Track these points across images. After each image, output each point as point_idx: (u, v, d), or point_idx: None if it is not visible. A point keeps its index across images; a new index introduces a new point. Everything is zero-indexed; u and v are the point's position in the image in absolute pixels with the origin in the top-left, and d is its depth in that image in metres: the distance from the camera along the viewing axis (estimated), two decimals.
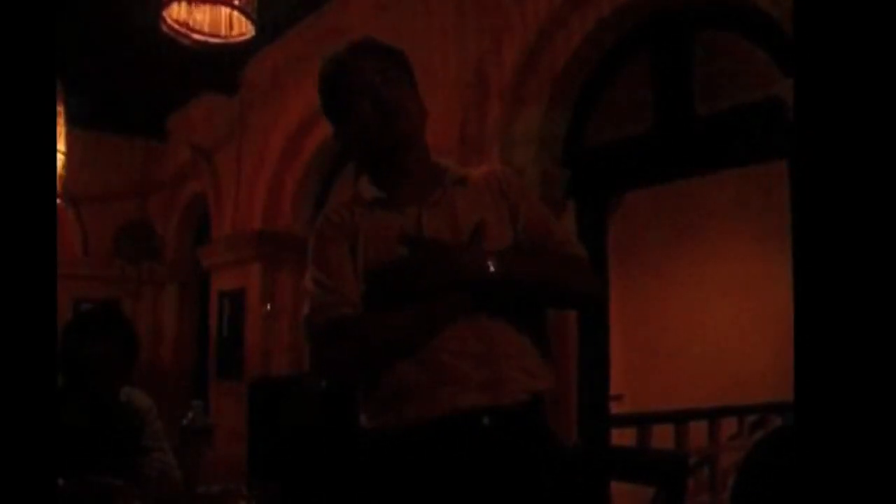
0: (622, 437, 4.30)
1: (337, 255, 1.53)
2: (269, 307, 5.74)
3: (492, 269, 1.43)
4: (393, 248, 1.48)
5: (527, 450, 1.46)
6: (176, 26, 2.64)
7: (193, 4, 2.59)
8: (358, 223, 1.54)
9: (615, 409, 4.64)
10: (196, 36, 2.67)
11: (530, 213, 1.60)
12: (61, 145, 4.21)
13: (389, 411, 1.47)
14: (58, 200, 4.35)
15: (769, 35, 3.26)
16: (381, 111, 1.54)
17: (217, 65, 5.57)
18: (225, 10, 2.64)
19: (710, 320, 6.40)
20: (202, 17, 2.63)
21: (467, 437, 1.42)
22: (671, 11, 3.70)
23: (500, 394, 1.44)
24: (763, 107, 3.28)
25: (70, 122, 4.40)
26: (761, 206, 5.59)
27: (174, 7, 2.60)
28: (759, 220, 5.90)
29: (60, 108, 4.11)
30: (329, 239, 1.56)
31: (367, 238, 1.52)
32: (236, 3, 2.58)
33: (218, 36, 2.69)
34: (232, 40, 2.74)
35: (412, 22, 4.71)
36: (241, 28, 2.70)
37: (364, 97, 1.54)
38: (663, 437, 4.37)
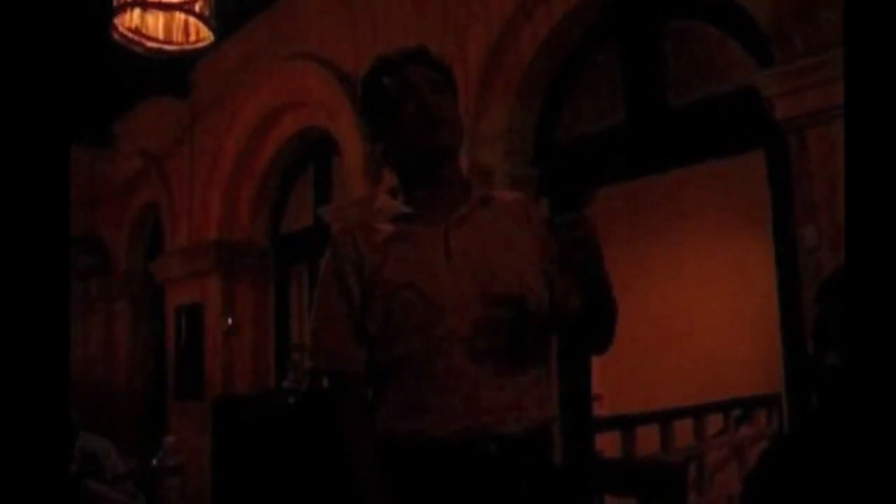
0: (604, 441, 4.20)
1: (343, 290, 1.52)
2: (230, 321, 5.52)
3: None
4: (417, 264, 1.48)
5: (531, 480, 1.47)
6: (129, 34, 2.44)
7: (147, 10, 2.39)
8: (382, 239, 1.52)
9: (593, 409, 4.54)
10: (150, 44, 2.49)
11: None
12: None
13: (403, 421, 1.46)
14: None
15: (742, 24, 3.19)
16: (425, 117, 1.52)
17: (165, 67, 5.33)
18: (179, 15, 2.46)
19: (689, 316, 6.34)
20: (154, 21, 2.44)
21: (475, 463, 1.42)
22: (640, 0, 3.61)
23: (516, 421, 1.44)
24: (737, 97, 3.22)
25: None
26: (739, 200, 5.53)
27: (126, 15, 2.40)
28: (736, 214, 5.86)
29: None
30: (340, 266, 1.53)
31: (392, 254, 1.50)
32: (196, 9, 2.39)
33: (172, 42, 2.51)
34: (188, 47, 2.57)
35: (370, 18, 4.55)
36: (200, 34, 2.52)
37: (409, 100, 1.53)
38: (648, 437, 4.28)
